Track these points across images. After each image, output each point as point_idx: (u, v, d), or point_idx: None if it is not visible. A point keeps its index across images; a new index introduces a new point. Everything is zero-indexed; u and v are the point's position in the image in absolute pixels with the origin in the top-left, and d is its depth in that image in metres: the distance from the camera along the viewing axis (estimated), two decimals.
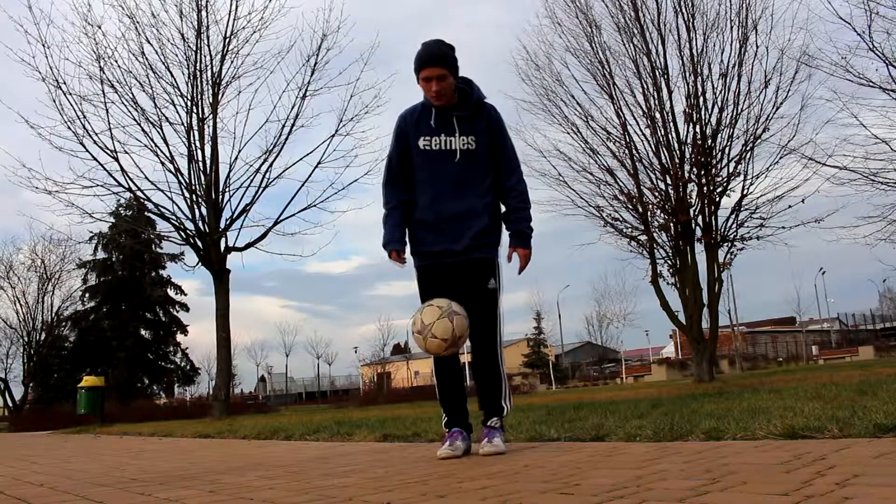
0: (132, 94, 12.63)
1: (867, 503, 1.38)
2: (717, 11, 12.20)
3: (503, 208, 3.04)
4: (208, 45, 13.05)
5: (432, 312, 2.73)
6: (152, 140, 12.76)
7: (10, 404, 29.04)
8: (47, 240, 27.83)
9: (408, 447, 3.72)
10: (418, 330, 2.75)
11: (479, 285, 2.94)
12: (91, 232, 32.02)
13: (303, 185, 13.33)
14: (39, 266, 29.04)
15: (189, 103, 13.03)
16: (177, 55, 12.96)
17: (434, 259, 2.96)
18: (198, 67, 13.00)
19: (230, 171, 13.26)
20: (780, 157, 12.06)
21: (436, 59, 2.84)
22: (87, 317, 33.50)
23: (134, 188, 12.80)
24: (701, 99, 12.27)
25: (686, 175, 12.32)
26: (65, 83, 12.06)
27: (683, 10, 12.36)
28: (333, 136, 13.32)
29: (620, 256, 15.19)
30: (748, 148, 12.21)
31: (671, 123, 12.54)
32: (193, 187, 13.02)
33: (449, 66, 2.85)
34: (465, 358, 3.28)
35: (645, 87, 12.68)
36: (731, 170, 12.28)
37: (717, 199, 12.34)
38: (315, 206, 13.42)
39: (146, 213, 21.69)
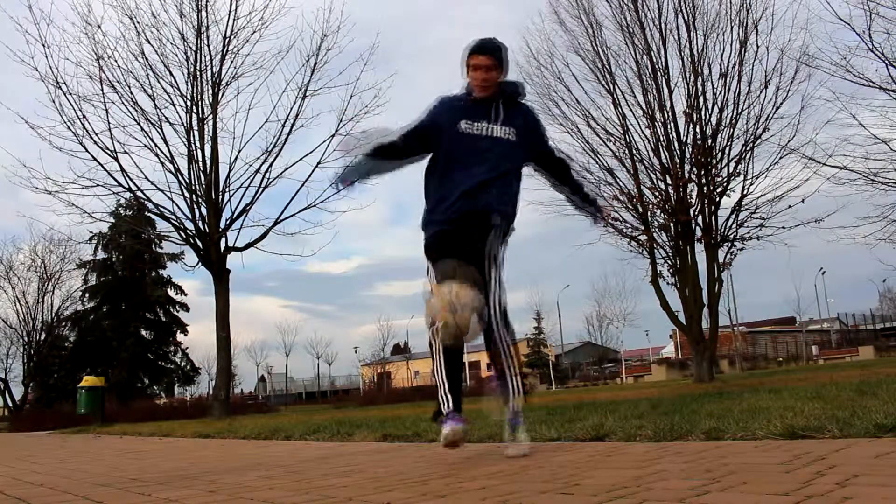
0: (132, 94, 12.64)
1: (867, 503, 1.38)
2: (717, 12, 12.22)
3: (571, 188, 3.30)
4: (208, 45, 13.07)
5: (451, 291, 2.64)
6: (152, 140, 12.78)
7: (10, 404, 29.02)
8: (47, 240, 27.85)
9: (408, 447, 3.72)
10: (450, 309, 2.61)
11: (487, 253, 2.92)
12: (91, 232, 32.02)
13: (303, 185, 13.34)
14: (39, 266, 29.06)
15: (189, 103, 13.04)
16: (177, 55, 12.98)
17: (450, 225, 2.91)
18: (198, 67, 13.01)
19: (230, 171, 13.28)
20: (780, 157, 12.08)
21: (488, 49, 2.91)
22: (87, 317, 33.47)
23: (134, 188, 12.81)
24: (701, 99, 12.28)
25: (686, 175, 12.32)
26: (65, 83, 12.07)
27: (684, 11, 12.38)
28: (333, 136, 13.31)
29: (620, 256, 15.21)
30: (748, 148, 12.22)
31: (671, 123, 12.55)
32: (193, 187, 13.02)
33: (499, 59, 2.91)
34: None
35: (646, 86, 12.69)
36: (731, 170, 12.29)
37: (717, 199, 12.34)
38: (315, 206, 13.41)
39: (146, 213, 21.68)
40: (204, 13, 12.96)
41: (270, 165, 13.20)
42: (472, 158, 2.89)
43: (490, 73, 2.89)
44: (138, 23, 12.65)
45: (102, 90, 12.30)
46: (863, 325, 51.05)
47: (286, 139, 13.21)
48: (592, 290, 79.97)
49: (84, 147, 12.19)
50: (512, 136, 2.94)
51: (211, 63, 13.11)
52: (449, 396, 2.89)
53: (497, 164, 2.90)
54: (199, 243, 13.08)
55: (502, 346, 2.90)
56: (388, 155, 3.05)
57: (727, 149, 12.28)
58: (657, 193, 12.59)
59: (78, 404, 13.80)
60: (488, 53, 2.89)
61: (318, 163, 13.21)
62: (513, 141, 2.94)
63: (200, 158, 13.12)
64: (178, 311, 35.54)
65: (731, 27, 12.12)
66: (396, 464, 2.93)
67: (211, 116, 13.17)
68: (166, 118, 12.87)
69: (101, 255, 34.39)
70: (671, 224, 12.39)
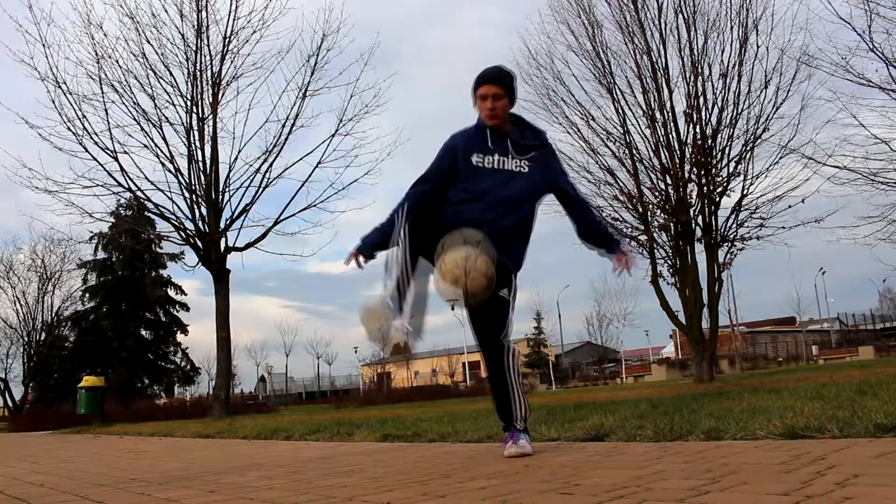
0: (132, 94, 12.65)
1: (867, 503, 1.38)
2: (717, 11, 12.22)
3: (585, 226, 3.16)
4: (208, 45, 13.08)
5: (452, 259, 2.58)
6: (152, 140, 12.79)
7: (10, 404, 29.01)
8: (47, 240, 27.80)
9: (408, 447, 3.72)
10: (462, 273, 2.55)
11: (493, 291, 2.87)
12: (91, 232, 31.99)
13: (303, 185, 13.36)
14: (39, 266, 28.99)
15: (189, 103, 13.05)
16: (177, 55, 12.99)
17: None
18: (198, 67, 13.02)
19: (230, 171, 13.30)
20: (780, 157, 12.07)
21: (494, 78, 2.89)
22: (87, 317, 33.47)
23: (134, 188, 12.83)
24: (701, 99, 12.28)
25: (686, 175, 12.32)
26: (65, 83, 12.08)
27: (684, 10, 12.37)
28: (333, 136, 13.33)
29: None
30: (748, 148, 12.22)
31: (671, 123, 12.54)
32: (193, 187, 13.03)
33: (506, 87, 2.89)
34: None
35: (645, 86, 12.69)
36: (731, 170, 12.29)
37: (717, 199, 12.34)
38: (315, 206, 13.42)
39: (146, 213, 21.70)
40: (204, 13, 12.99)
41: (270, 165, 13.23)
42: (483, 194, 2.85)
43: (498, 101, 2.86)
44: (138, 23, 12.68)
45: (102, 90, 12.33)
46: (863, 325, 51.07)
47: (286, 139, 13.24)
48: (592, 290, 79.87)
49: (84, 147, 12.22)
50: (525, 169, 2.90)
51: (211, 63, 13.13)
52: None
53: (509, 198, 2.86)
54: (199, 243, 13.09)
55: (510, 381, 2.87)
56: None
57: (727, 149, 12.29)
58: (657, 193, 12.59)
59: (78, 404, 13.80)
60: (495, 82, 2.87)
61: (318, 163, 13.25)
62: (525, 174, 2.90)
63: (200, 158, 13.13)
64: (178, 311, 35.56)
65: (731, 27, 12.13)
66: (396, 464, 2.93)
67: (211, 116, 13.18)
68: (166, 118, 12.90)
69: (101, 255, 34.40)
70: (671, 224, 12.38)
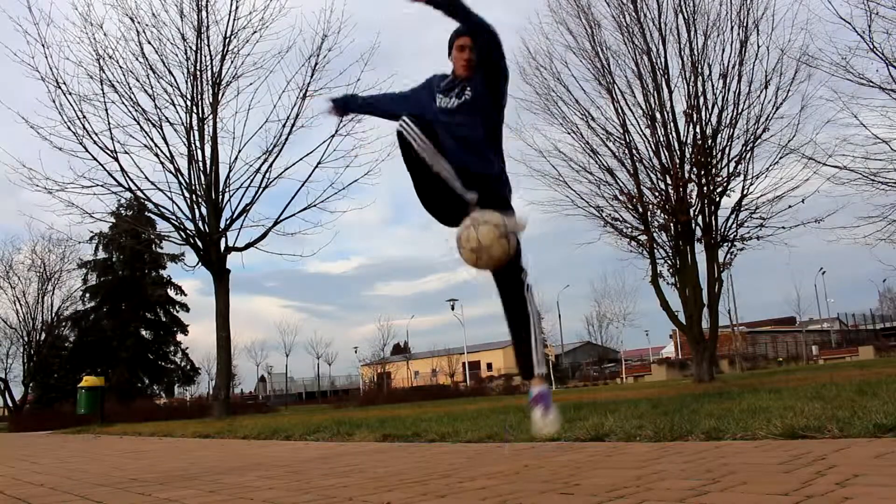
0: (132, 93, 12.65)
1: (867, 503, 1.38)
2: (717, 11, 12.21)
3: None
4: (208, 45, 13.08)
5: (489, 232, 2.63)
6: (152, 140, 12.79)
7: (10, 404, 29.02)
8: (47, 240, 27.79)
9: (408, 447, 3.72)
10: (473, 248, 2.64)
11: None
12: (91, 232, 31.97)
13: (303, 185, 13.36)
14: (39, 266, 29.00)
15: (189, 103, 13.04)
16: (177, 55, 12.99)
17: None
18: (198, 67, 13.02)
19: (230, 171, 13.29)
20: (780, 157, 12.06)
21: (468, 31, 2.96)
22: (87, 317, 33.48)
23: (134, 188, 12.82)
24: (701, 99, 12.27)
25: (686, 175, 12.31)
26: (65, 83, 12.09)
27: (684, 10, 12.36)
28: (333, 136, 13.29)
29: (620, 256, 15.17)
30: (748, 148, 12.21)
31: (671, 123, 12.54)
32: (193, 187, 13.03)
33: (475, 42, 2.97)
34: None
35: (645, 86, 12.68)
36: (731, 170, 12.28)
37: (717, 199, 12.34)
38: (315, 206, 13.41)
39: (146, 213, 21.70)
40: (204, 13, 12.98)
41: (270, 165, 13.22)
42: (443, 133, 2.91)
43: (472, 53, 2.95)
44: (139, 23, 12.68)
45: (103, 90, 12.33)
46: (863, 325, 51.08)
47: (286, 139, 13.22)
48: (592, 290, 79.93)
49: (84, 147, 12.22)
50: (469, 94, 2.94)
51: (211, 63, 13.13)
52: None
53: (462, 135, 2.91)
54: (199, 243, 13.09)
55: (531, 314, 2.80)
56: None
57: (727, 149, 12.27)
58: (657, 193, 12.58)
59: (78, 404, 13.79)
60: (470, 35, 2.95)
61: (318, 163, 13.24)
62: (470, 94, 2.93)
63: (200, 158, 13.13)
64: (178, 312, 35.57)
65: (731, 27, 12.12)
66: (396, 464, 2.93)
67: (211, 116, 13.18)
68: (166, 118, 12.90)
69: (101, 255, 34.43)
70: (671, 224, 12.38)
